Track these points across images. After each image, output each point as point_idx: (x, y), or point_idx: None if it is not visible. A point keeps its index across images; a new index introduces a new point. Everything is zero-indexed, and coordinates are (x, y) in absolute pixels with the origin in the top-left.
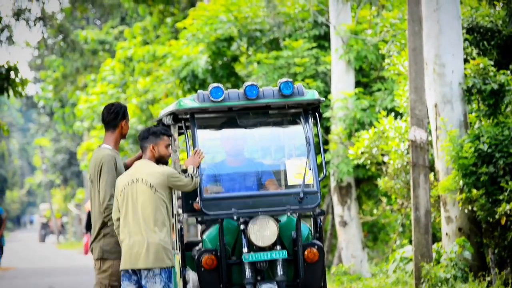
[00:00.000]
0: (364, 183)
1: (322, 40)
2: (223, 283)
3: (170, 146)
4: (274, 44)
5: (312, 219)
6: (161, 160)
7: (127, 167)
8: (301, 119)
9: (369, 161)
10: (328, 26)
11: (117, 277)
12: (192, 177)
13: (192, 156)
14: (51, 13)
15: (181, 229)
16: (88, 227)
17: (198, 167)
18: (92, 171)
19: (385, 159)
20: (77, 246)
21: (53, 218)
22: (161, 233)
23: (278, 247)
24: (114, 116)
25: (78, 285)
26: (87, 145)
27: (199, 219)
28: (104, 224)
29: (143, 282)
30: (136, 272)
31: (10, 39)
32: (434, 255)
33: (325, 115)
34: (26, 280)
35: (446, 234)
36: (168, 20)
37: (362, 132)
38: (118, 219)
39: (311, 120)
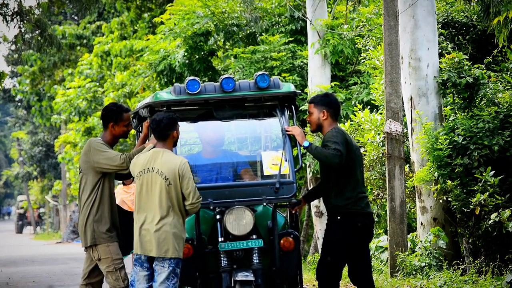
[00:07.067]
0: None
1: (299, 35)
2: (199, 271)
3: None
4: (251, 39)
5: (288, 209)
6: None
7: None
8: (277, 111)
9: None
10: (304, 21)
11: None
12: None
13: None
14: (28, 7)
15: None
16: None
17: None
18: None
19: (361, 151)
20: (53, 237)
21: (30, 209)
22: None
23: (254, 236)
24: (102, 118)
25: (52, 274)
26: (64, 138)
27: None
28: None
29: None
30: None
31: None
32: (409, 244)
33: (302, 108)
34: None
35: (421, 224)
36: (146, 15)
37: None
38: None
39: (287, 113)
